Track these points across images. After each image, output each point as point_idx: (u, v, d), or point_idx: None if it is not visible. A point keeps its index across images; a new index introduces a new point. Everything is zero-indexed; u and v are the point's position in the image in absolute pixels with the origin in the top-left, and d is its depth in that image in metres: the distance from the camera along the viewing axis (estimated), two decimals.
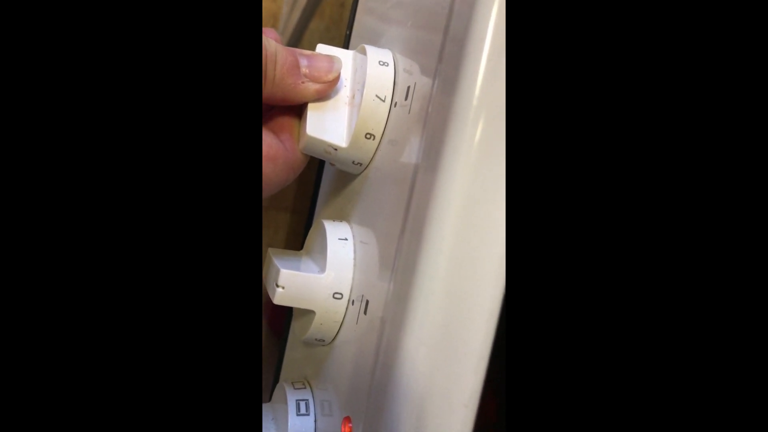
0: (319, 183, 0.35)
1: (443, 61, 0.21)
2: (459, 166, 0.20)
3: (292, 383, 0.29)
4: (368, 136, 0.26)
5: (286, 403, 0.28)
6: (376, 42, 0.29)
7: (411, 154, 0.23)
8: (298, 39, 0.60)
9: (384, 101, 0.26)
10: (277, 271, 0.26)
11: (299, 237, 0.59)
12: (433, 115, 0.21)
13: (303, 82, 0.26)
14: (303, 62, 0.26)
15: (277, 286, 0.25)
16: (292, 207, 0.63)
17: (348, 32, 0.34)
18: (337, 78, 0.27)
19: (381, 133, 0.26)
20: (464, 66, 0.20)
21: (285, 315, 0.36)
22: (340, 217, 0.29)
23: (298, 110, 0.28)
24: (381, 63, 0.26)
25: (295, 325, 0.30)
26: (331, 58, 0.27)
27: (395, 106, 0.25)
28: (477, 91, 0.19)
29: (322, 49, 0.28)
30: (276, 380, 0.38)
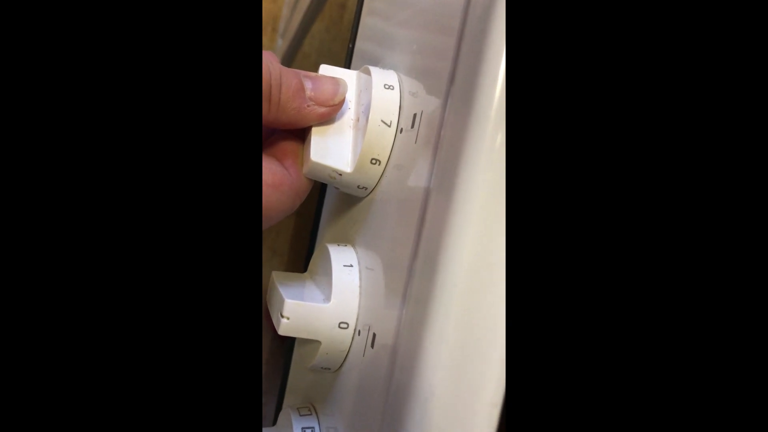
0: (324, 188, 0.35)
1: (455, 83, 0.21)
2: (476, 184, 0.18)
3: (298, 409, 0.29)
4: (374, 161, 0.25)
5: (291, 428, 0.28)
6: (380, 61, 0.28)
7: (420, 178, 0.22)
8: (300, 42, 0.59)
9: (390, 126, 0.25)
10: (282, 301, 0.25)
11: (302, 240, 0.58)
12: (446, 138, 0.21)
13: (308, 106, 0.25)
14: (308, 85, 0.26)
15: (282, 316, 0.25)
16: (296, 210, 0.63)
17: (351, 45, 0.34)
18: (343, 101, 0.26)
19: (387, 158, 0.25)
20: (480, 83, 0.19)
21: None
22: (344, 239, 0.29)
23: (301, 135, 0.28)
24: (386, 86, 0.25)
25: (300, 351, 0.29)
26: (336, 81, 0.26)
27: (401, 132, 0.24)
28: (495, 105, 0.18)
29: (325, 70, 0.27)
30: (282, 388, 0.37)
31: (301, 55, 0.61)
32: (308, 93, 0.25)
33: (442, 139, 0.21)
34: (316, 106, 0.25)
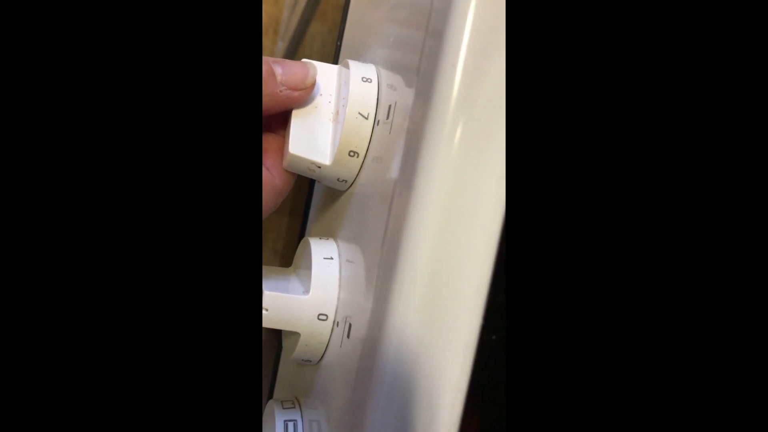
0: (314, 184, 0.35)
1: (420, 73, 0.21)
2: (435, 176, 0.19)
3: (281, 402, 0.29)
4: (352, 153, 0.25)
5: (274, 421, 0.28)
6: (363, 55, 0.29)
7: (394, 170, 0.22)
8: (298, 42, 0.60)
9: (367, 119, 0.25)
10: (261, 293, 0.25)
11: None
12: (411, 127, 0.21)
13: (281, 91, 0.25)
14: (278, 70, 0.25)
15: (261, 308, 0.25)
16: (295, 210, 0.63)
17: (338, 43, 0.34)
18: (314, 84, 0.26)
19: (365, 150, 0.25)
20: (440, 72, 0.19)
21: None
22: (328, 233, 0.29)
23: (282, 133, 0.28)
24: (364, 79, 0.25)
25: (285, 344, 0.29)
26: (305, 65, 0.26)
27: (378, 124, 0.25)
28: (454, 97, 0.18)
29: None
30: (273, 383, 0.38)
31: (301, 56, 0.62)
32: (279, 78, 0.25)
33: (408, 131, 0.21)
34: (288, 90, 0.25)
